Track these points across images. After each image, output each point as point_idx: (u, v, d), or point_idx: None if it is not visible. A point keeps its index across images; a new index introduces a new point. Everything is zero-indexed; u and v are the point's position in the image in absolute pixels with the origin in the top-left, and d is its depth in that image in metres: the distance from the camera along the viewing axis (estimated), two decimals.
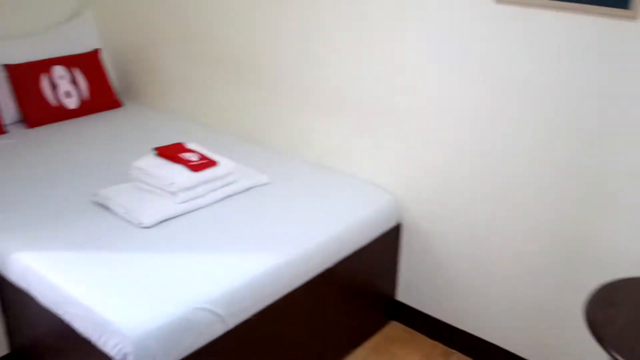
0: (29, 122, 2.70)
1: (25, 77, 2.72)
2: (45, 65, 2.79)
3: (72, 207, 1.97)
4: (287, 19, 2.37)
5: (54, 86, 2.79)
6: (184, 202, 1.97)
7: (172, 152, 2.07)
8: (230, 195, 2.10)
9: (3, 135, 2.59)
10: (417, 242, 2.24)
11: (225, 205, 2.04)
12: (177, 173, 1.98)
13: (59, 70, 2.82)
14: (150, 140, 2.48)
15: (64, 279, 1.59)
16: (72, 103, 2.84)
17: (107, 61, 3.14)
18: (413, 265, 2.28)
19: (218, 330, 1.58)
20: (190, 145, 2.17)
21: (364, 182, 2.29)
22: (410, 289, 2.31)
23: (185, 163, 2.02)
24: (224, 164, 2.10)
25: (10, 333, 1.94)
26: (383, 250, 2.22)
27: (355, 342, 2.23)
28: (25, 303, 1.72)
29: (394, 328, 2.36)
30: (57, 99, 2.79)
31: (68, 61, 2.87)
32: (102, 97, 2.97)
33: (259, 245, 1.81)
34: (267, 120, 2.59)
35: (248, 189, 2.16)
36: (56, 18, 3.07)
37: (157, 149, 2.09)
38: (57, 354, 1.77)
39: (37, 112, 2.73)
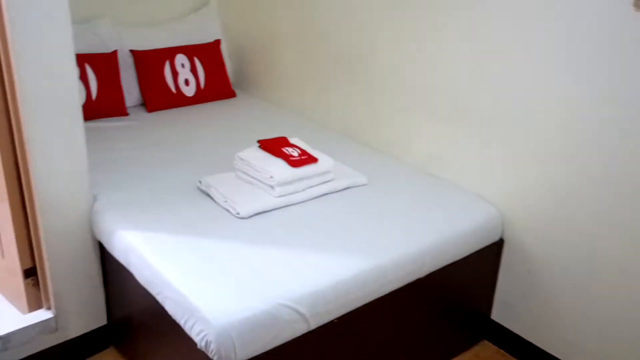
0: (149, 106, 2.86)
1: (150, 64, 2.88)
2: (169, 53, 2.93)
3: (178, 191, 2.05)
4: (403, 20, 2.31)
5: (174, 73, 2.93)
6: (281, 196, 1.98)
7: (274, 146, 2.09)
8: (327, 193, 2.09)
9: (125, 117, 2.76)
10: (519, 260, 2.10)
11: (321, 202, 2.03)
12: (276, 167, 1.99)
13: (181, 59, 2.96)
14: (258, 131, 2.54)
15: (160, 261, 1.65)
16: (189, 91, 2.97)
17: (225, 51, 3.25)
18: (512, 284, 2.14)
19: (299, 330, 1.57)
20: (293, 140, 2.19)
21: (467, 192, 2.18)
22: (507, 308, 2.18)
23: (286, 158, 2.03)
24: (324, 162, 2.09)
25: (110, 305, 2.07)
26: (481, 265, 2.11)
27: (443, 358, 2.14)
28: (124, 279, 1.82)
29: (486, 348, 2.23)
30: (177, 86, 2.93)
31: (190, 50, 3.00)
32: (218, 87, 3.07)
33: (349, 247, 1.78)
34: (373, 121, 2.55)
35: (346, 189, 2.14)
36: (183, 8, 3.21)
37: (260, 141, 2.12)
38: (148, 331, 1.86)
39: (157, 97, 2.88)
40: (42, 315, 1.96)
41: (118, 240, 1.80)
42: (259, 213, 1.93)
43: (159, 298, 1.63)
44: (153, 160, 2.30)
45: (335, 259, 1.72)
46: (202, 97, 3.01)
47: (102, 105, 2.69)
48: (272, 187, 1.98)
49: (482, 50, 2.05)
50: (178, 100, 2.93)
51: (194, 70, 2.99)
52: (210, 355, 1.46)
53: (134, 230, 1.79)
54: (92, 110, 2.66)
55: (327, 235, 1.84)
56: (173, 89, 2.92)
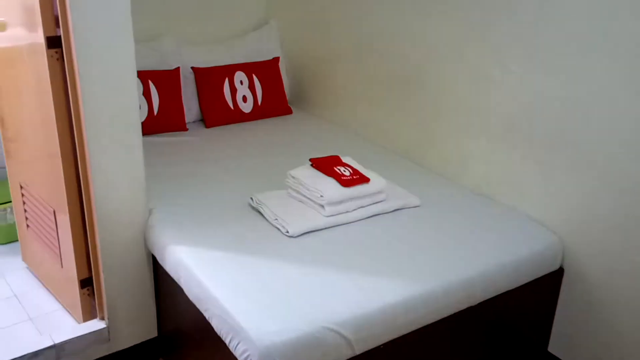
0: (208, 122, 2.92)
1: (210, 80, 2.94)
2: (228, 70, 2.99)
3: (231, 207, 2.06)
4: (460, 39, 2.26)
5: (233, 90, 2.98)
6: (331, 215, 1.97)
7: (326, 165, 2.08)
8: (378, 214, 2.05)
9: (184, 132, 2.82)
10: (580, 291, 1.99)
11: (371, 223, 2.00)
12: (327, 186, 1.98)
13: (239, 76, 3.01)
14: (313, 149, 2.56)
15: (208, 277, 1.66)
16: (247, 107, 3.02)
17: (283, 69, 3.28)
18: (571, 316, 2.03)
19: (344, 354, 1.54)
20: (345, 159, 2.17)
21: (525, 217, 2.10)
22: (565, 341, 2.07)
23: (338, 177, 2.02)
24: (376, 182, 2.06)
25: (160, 318, 2.10)
26: (538, 295, 2.01)
27: None
28: (174, 292, 1.84)
29: None
30: (235, 102, 2.98)
31: (249, 67, 3.05)
32: (275, 103, 3.11)
33: (398, 270, 1.74)
34: (427, 140, 2.50)
35: (397, 210, 2.10)
36: (244, 27, 3.28)
37: (312, 160, 2.12)
38: (196, 346, 1.87)
39: (215, 113, 2.94)
40: (96, 325, 2.01)
41: (169, 254, 1.83)
42: (309, 232, 1.92)
43: (206, 314, 1.64)
44: (209, 175, 2.34)
45: (384, 282, 1.68)
46: (259, 113, 3.04)
47: (163, 121, 2.77)
48: (322, 206, 1.97)
49: (546, 70, 1.98)
50: (236, 117, 2.98)
51: (252, 87, 3.03)
52: None
53: (185, 246, 1.81)
54: (154, 125, 2.74)
55: (376, 257, 1.80)
56: (231, 105, 2.97)
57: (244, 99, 3.01)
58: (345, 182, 1.99)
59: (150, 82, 2.74)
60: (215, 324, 1.60)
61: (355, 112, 2.93)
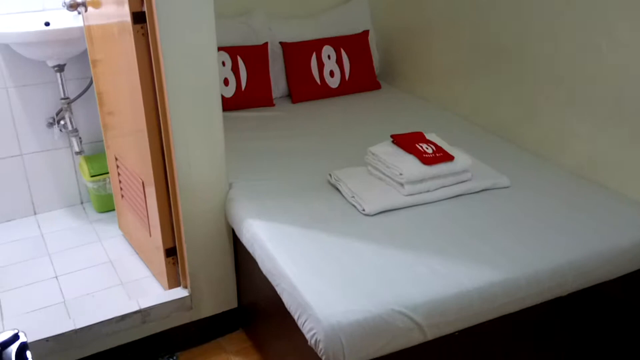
0: (295, 97, 2.91)
1: (297, 55, 2.93)
2: (316, 45, 2.96)
3: (310, 184, 2.04)
4: (563, 6, 2.07)
5: (320, 65, 2.94)
6: (410, 194, 1.89)
7: (408, 141, 2.00)
8: (462, 194, 1.95)
9: (271, 108, 2.84)
10: None
11: (454, 204, 1.90)
12: (408, 163, 1.90)
13: (327, 50, 2.97)
14: (400, 125, 2.50)
15: (280, 253, 1.66)
16: (334, 82, 2.97)
17: (373, 43, 3.19)
18: None
19: (415, 339, 1.48)
20: (429, 136, 2.07)
21: (629, 202, 1.90)
22: None
23: (419, 154, 1.93)
24: (461, 160, 1.95)
25: (240, 289, 2.14)
26: (636, 289, 1.82)
27: None
28: (251, 266, 1.86)
29: None
30: (322, 78, 2.95)
31: (337, 42, 2.99)
32: (363, 78, 3.04)
33: (479, 255, 1.64)
34: (523, 116, 2.33)
35: (484, 190, 1.98)
36: (335, 0, 3.22)
37: (394, 136, 2.04)
38: (269, 319, 1.89)
39: (302, 88, 2.92)
40: (179, 293, 2.09)
41: (246, 229, 1.84)
42: (386, 211, 1.86)
43: (277, 289, 1.64)
44: (292, 151, 2.33)
45: (461, 266, 1.59)
46: (346, 88, 2.99)
47: (250, 96, 2.79)
48: (401, 184, 1.90)
49: None
50: (322, 92, 2.94)
51: (339, 62, 2.98)
52: (319, 354, 1.43)
53: (260, 220, 1.82)
54: (241, 100, 2.77)
55: (456, 240, 1.71)
56: (318, 81, 2.94)
57: (332, 73, 2.97)
58: (427, 160, 1.90)
59: (238, 57, 2.77)
60: (285, 299, 1.59)
61: (447, 87, 2.80)
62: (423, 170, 1.89)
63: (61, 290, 2.25)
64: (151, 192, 2.02)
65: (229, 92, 2.75)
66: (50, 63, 2.49)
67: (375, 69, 3.12)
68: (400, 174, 1.88)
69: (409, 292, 1.49)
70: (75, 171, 2.86)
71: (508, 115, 2.41)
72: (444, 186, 1.94)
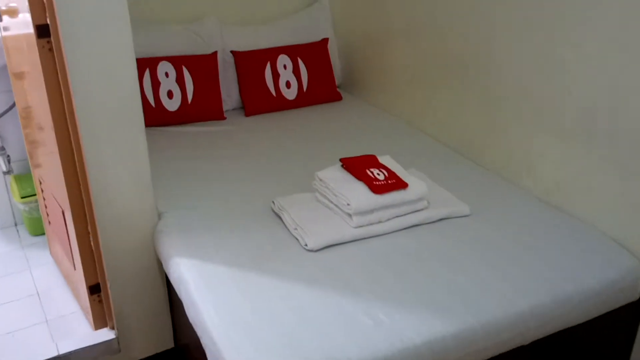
0: (248, 110, 2.70)
1: (251, 65, 2.72)
2: (271, 54, 2.75)
3: (253, 212, 1.83)
4: (527, 15, 1.89)
5: (275, 75, 2.74)
6: (359, 226, 1.69)
7: (358, 166, 1.80)
8: (417, 225, 1.76)
9: (222, 122, 2.62)
10: None
11: (408, 236, 1.71)
12: (356, 192, 1.71)
13: (283, 60, 2.76)
14: (359, 141, 2.35)
15: (205, 301, 1.45)
16: (291, 94, 2.77)
17: (335, 51, 3.00)
18: None
19: None
20: (382, 159, 1.88)
21: (601, 234, 1.72)
22: None
23: (369, 182, 1.73)
24: (415, 187, 1.76)
25: (176, 329, 1.93)
26: (611, 330, 1.65)
27: None
28: (180, 307, 1.65)
29: None
30: (277, 89, 2.74)
31: (294, 50, 2.79)
32: (322, 89, 2.84)
33: (432, 298, 1.45)
34: (486, 134, 2.15)
35: (441, 220, 1.79)
36: (295, 5, 3.01)
37: (343, 160, 1.84)
38: None
39: (256, 100, 2.71)
40: (105, 335, 1.87)
41: (172, 268, 1.63)
42: (332, 245, 1.66)
43: (201, 341, 1.43)
44: (238, 172, 2.12)
45: (410, 315, 1.39)
46: (304, 100, 2.79)
47: (198, 109, 2.58)
48: (350, 215, 1.70)
49: (632, 51, 1.58)
50: (278, 104, 2.74)
51: (296, 72, 2.78)
52: None
53: (188, 259, 1.61)
54: (187, 114, 2.56)
55: (406, 280, 1.51)
56: (273, 92, 2.73)
57: (288, 84, 2.76)
58: (378, 188, 1.71)
59: (184, 67, 2.55)
60: (207, 354, 1.38)
61: (408, 99, 2.61)
62: (373, 199, 1.69)
63: None
64: (70, 221, 1.79)
65: (174, 105, 2.53)
66: None
67: (335, 79, 2.93)
68: (348, 204, 1.68)
69: (347, 349, 1.29)
70: (8, 191, 2.62)
71: (471, 132, 2.23)
72: (397, 216, 1.75)
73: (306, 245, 1.64)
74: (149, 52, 2.54)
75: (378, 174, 1.77)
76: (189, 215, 1.81)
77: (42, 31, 1.52)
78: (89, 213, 1.72)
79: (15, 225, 2.69)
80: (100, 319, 1.90)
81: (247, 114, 2.70)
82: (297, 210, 1.76)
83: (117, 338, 1.85)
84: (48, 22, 1.49)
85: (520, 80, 1.96)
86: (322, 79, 2.84)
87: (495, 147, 2.11)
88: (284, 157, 2.25)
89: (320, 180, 1.81)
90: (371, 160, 1.85)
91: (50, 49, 1.54)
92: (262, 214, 1.83)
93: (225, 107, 2.74)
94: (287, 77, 2.76)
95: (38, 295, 2.21)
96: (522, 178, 2.00)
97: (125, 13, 1.53)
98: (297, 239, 1.68)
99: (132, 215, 1.74)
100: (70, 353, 1.80)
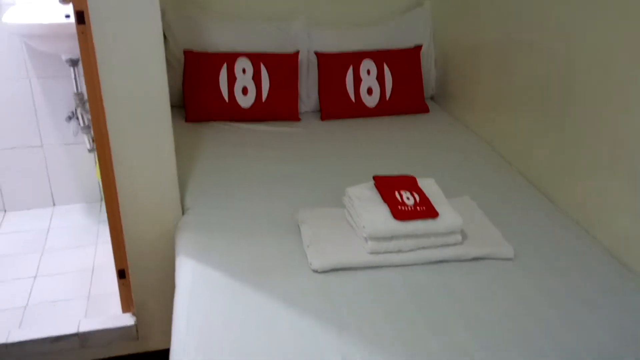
0: (324, 113, 2.61)
1: (332, 67, 2.62)
2: (354, 58, 2.63)
3: (278, 220, 1.74)
4: (614, 44, 1.58)
5: (357, 80, 2.62)
6: (374, 253, 1.53)
7: (389, 187, 1.64)
8: (445, 261, 1.55)
9: (296, 123, 2.56)
10: None
11: (431, 272, 1.51)
12: (375, 215, 1.55)
13: (367, 64, 2.64)
14: (430, 159, 2.20)
15: (181, 311, 1.39)
16: (372, 101, 2.63)
17: (430, 59, 2.81)
18: None
19: None
20: (422, 182, 1.69)
21: None
22: None
23: (394, 205, 1.56)
24: (447, 219, 1.55)
25: None
26: None
27: None
28: None
29: None
30: (357, 94, 2.62)
31: (380, 55, 2.65)
32: (408, 99, 2.66)
33: (447, 353, 1.25)
34: (563, 170, 1.85)
35: (477, 259, 1.56)
36: (393, 9, 2.86)
37: (376, 178, 1.69)
38: None
39: (334, 105, 2.62)
40: (125, 320, 1.90)
41: (177, 265, 1.59)
42: (342, 269, 1.52)
43: None
44: (289, 176, 2.04)
45: None
46: (385, 109, 2.64)
47: (272, 108, 2.54)
48: (366, 239, 1.54)
49: None
50: (356, 111, 2.62)
51: (380, 79, 2.63)
52: None
53: (191, 259, 1.56)
54: (260, 112, 2.53)
55: (407, 327, 1.32)
56: (352, 98, 2.62)
57: (369, 91, 2.63)
58: (400, 214, 1.53)
59: (262, 64, 2.53)
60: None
61: (493, 119, 2.35)
62: (392, 226, 1.52)
63: (30, 293, 2.17)
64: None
65: (247, 102, 2.52)
66: (64, 57, 2.43)
67: (425, 90, 2.74)
68: (364, 227, 1.53)
69: None
70: (93, 168, 2.80)
71: (547, 164, 1.93)
72: (422, 247, 1.55)
73: (311, 264, 1.52)
74: (230, 47, 2.55)
75: (408, 198, 1.59)
76: (212, 215, 1.77)
77: (80, 17, 1.56)
78: (115, 203, 1.75)
79: (101, 200, 2.87)
80: (126, 303, 1.94)
81: (323, 118, 2.61)
82: (317, 226, 1.64)
83: (136, 325, 1.88)
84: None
85: (603, 118, 1.66)
86: (408, 88, 2.67)
87: (568, 185, 1.81)
88: (344, 167, 2.13)
89: (349, 197, 1.67)
90: (407, 182, 1.67)
91: (87, 37, 1.58)
92: (286, 224, 1.73)
93: (303, 108, 2.68)
94: (369, 83, 2.62)
95: (92, 270, 2.32)
96: (591, 226, 1.69)
97: (156, 9, 1.51)
98: (307, 256, 1.56)
99: (156, 208, 1.74)
100: (88, 332, 1.85)
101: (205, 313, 1.36)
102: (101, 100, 1.59)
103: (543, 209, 1.83)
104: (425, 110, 2.69)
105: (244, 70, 2.51)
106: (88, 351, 1.87)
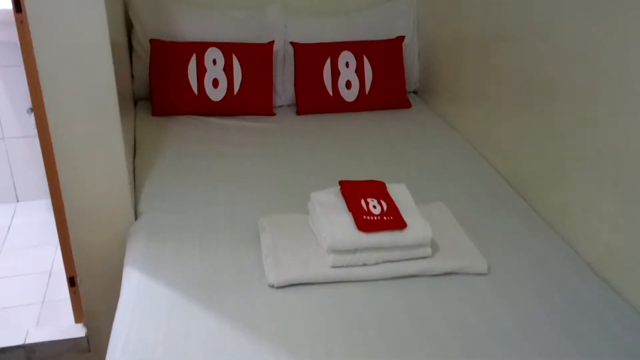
0: (300, 108, 2.48)
1: (309, 59, 2.48)
2: (332, 49, 2.49)
3: (241, 227, 1.61)
4: (598, 40, 1.45)
5: (335, 73, 2.48)
6: (336, 267, 1.41)
7: (356, 193, 1.51)
8: (414, 276, 1.43)
9: (269, 117, 2.43)
10: None
11: (398, 288, 1.40)
12: (337, 225, 1.42)
13: (346, 56, 2.49)
14: (408, 158, 2.08)
15: (122, 320, 1.27)
16: (350, 95, 2.50)
17: (413, 51, 2.67)
18: None
19: None
20: (392, 188, 1.57)
21: None
22: None
23: (359, 215, 1.44)
24: (415, 231, 1.43)
25: None
26: None
27: None
28: None
29: None
30: (335, 88, 2.48)
31: (360, 47, 2.51)
32: (389, 94, 2.53)
33: None
34: (546, 176, 1.73)
35: (449, 274, 1.44)
36: None
37: (342, 183, 1.56)
38: None
39: (310, 99, 2.48)
40: (76, 331, 1.78)
41: (124, 276, 1.47)
42: (298, 284, 1.39)
43: None
44: (259, 175, 1.91)
45: None
46: (364, 104, 2.50)
47: (244, 102, 2.40)
48: (327, 252, 1.42)
49: None
50: (333, 105, 2.48)
51: (359, 71, 2.49)
52: None
53: (137, 270, 1.44)
54: (231, 106, 2.39)
55: (381, 347, 1.21)
56: (330, 91, 2.48)
57: (348, 84, 2.49)
58: (365, 225, 1.41)
59: (234, 56, 2.39)
60: None
61: (475, 117, 2.22)
62: (355, 237, 1.40)
63: None
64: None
65: (218, 95, 2.38)
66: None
67: (407, 84, 2.61)
68: (325, 238, 1.41)
69: None
70: None
71: (528, 167, 1.81)
72: (389, 261, 1.43)
73: (267, 278, 1.39)
74: (199, 36, 2.41)
75: (374, 207, 1.46)
76: (167, 221, 1.64)
77: (18, 5, 1.42)
78: (59, 205, 1.62)
79: None
80: (78, 313, 1.82)
81: (299, 113, 2.48)
82: (278, 235, 1.51)
83: (87, 337, 1.75)
84: None
85: (585, 112, 1.53)
86: (389, 82, 2.53)
87: (551, 191, 1.69)
88: (319, 166, 2.01)
89: (312, 203, 1.55)
90: (375, 188, 1.54)
91: (25, 26, 1.44)
92: (248, 232, 1.60)
93: (278, 102, 2.54)
94: (347, 77, 2.49)
95: (50, 273, 2.20)
96: (572, 237, 1.57)
97: None
98: (264, 269, 1.44)
99: (105, 211, 1.61)
100: (35, 344, 1.73)
101: (146, 331, 1.24)
102: (40, 92, 1.45)
103: (522, 217, 1.71)
104: (407, 105, 2.56)
105: (214, 61, 2.37)
106: None
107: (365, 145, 2.20)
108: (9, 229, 2.49)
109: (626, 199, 1.39)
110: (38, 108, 1.51)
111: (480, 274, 1.44)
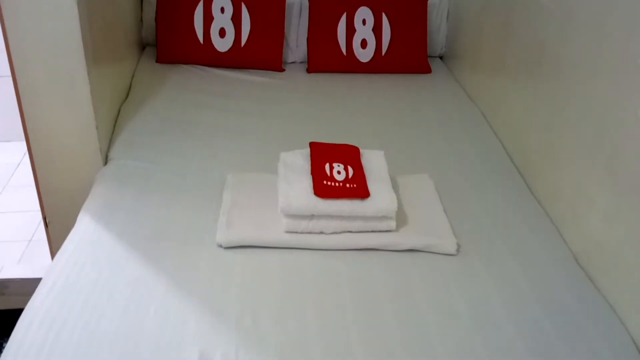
0: (311, 65, 2.36)
1: (324, 14, 2.35)
2: (349, 4, 2.34)
3: (213, 183, 1.53)
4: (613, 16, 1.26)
5: (351, 30, 2.34)
6: (290, 232, 1.32)
7: (323, 156, 1.40)
8: (376, 249, 1.32)
9: (277, 73, 2.32)
10: None
11: (357, 260, 1.30)
12: (293, 188, 1.32)
13: (363, 13, 2.34)
14: (415, 126, 1.95)
15: (54, 269, 1.23)
16: (365, 55, 2.35)
17: (441, 12, 2.48)
18: None
19: None
20: (366, 155, 1.45)
21: (620, 332, 1.13)
22: None
23: (319, 179, 1.33)
24: (378, 202, 1.31)
25: None
26: None
27: None
28: None
29: None
30: (349, 47, 2.34)
31: (380, 4, 2.35)
32: (407, 57, 2.37)
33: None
34: (546, 152, 1.56)
35: (413, 251, 1.33)
36: None
37: (313, 144, 1.45)
38: None
39: (322, 56, 2.35)
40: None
41: (75, 225, 1.42)
42: (249, 247, 1.31)
43: None
44: (248, 132, 1.83)
45: None
46: (379, 65, 2.35)
47: (251, 55, 2.30)
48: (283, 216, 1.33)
49: None
50: (346, 65, 2.35)
51: (377, 31, 2.34)
52: None
53: (90, 218, 1.39)
54: (238, 58, 2.30)
55: (316, 322, 1.12)
56: (344, 50, 2.34)
57: (363, 43, 2.34)
58: (322, 190, 1.30)
59: (243, 5, 2.28)
60: None
61: (489, 85, 2.04)
62: (310, 203, 1.29)
63: None
64: None
65: (224, 45, 2.29)
66: None
67: (431, 48, 2.44)
68: (280, 202, 1.31)
69: None
70: None
71: (534, 145, 1.64)
72: (349, 231, 1.33)
73: (218, 238, 1.32)
74: None
75: (338, 172, 1.35)
76: (135, 169, 1.59)
77: None
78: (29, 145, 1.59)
79: None
80: (52, 254, 1.81)
81: (310, 70, 2.36)
82: (241, 194, 1.43)
83: None
84: None
85: (587, 87, 1.35)
86: (409, 44, 2.37)
87: (548, 171, 1.52)
88: (321, 127, 1.90)
89: (280, 162, 1.45)
90: (347, 153, 1.43)
91: None
92: (217, 189, 1.52)
93: (290, 58, 2.43)
94: (363, 35, 2.34)
95: None
96: (565, 223, 1.41)
97: None
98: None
99: (70, 156, 1.57)
100: (7, 280, 1.74)
101: (76, 278, 1.19)
102: (5, 30, 1.41)
103: (515, 198, 1.56)
104: (427, 70, 2.39)
105: (222, 9, 2.27)
106: (7, 299, 1.77)
107: (373, 110, 2.07)
108: (17, 166, 2.52)
109: (614, 193, 1.22)
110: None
111: (448, 254, 1.32)
